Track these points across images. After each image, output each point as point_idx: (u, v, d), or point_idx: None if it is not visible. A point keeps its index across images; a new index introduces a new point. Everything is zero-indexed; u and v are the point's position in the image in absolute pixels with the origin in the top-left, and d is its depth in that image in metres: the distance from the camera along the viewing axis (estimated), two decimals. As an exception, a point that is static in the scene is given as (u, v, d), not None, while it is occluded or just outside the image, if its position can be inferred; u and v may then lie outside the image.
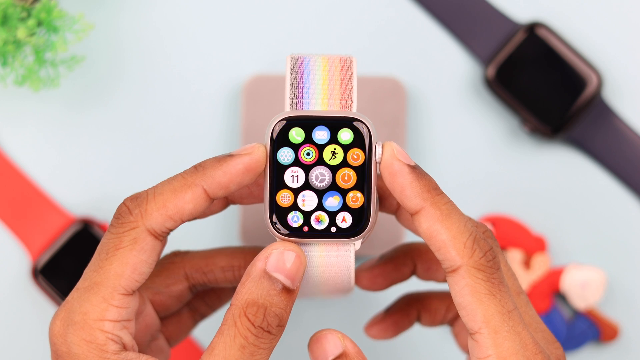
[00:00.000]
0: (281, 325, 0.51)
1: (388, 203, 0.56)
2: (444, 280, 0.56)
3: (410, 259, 0.57)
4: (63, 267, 0.71)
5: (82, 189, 0.73)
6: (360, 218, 0.55)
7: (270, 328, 0.50)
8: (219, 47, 0.74)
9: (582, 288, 0.72)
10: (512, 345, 0.49)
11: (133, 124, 0.73)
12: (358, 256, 0.72)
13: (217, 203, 0.57)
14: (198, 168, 0.53)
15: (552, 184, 0.74)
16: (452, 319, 0.58)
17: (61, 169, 0.73)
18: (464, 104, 0.74)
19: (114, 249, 0.51)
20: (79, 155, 0.74)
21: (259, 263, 0.51)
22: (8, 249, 0.73)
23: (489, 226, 0.72)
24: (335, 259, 0.56)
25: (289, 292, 0.51)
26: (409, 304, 0.58)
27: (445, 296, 0.58)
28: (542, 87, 0.73)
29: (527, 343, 0.50)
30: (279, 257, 0.52)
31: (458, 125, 0.74)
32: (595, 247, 0.74)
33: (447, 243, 0.50)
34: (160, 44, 0.74)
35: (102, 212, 0.73)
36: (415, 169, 0.51)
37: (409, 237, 0.73)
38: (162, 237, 0.52)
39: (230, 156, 0.53)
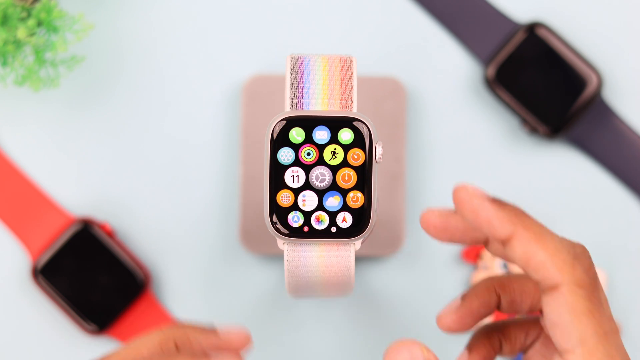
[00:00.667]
0: None
1: (474, 236, 0.53)
2: (528, 312, 0.54)
3: (494, 293, 0.54)
4: (63, 267, 0.71)
5: (82, 189, 0.73)
6: (361, 218, 0.55)
7: None
8: (218, 47, 0.74)
9: (582, 288, 0.72)
10: None
11: (133, 124, 0.73)
12: (358, 256, 0.72)
13: None
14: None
15: (552, 184, 0.74)
16: (529, 345, 0.55)
17: (61, 169, 0.73)
18: (464, 104, 0.74)
19: None
20: (79, 155, 0.73)
21: None
22: (8, 249, 0.73)
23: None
24: (335, 259, 0.56)
25: None
26: (490, 336, 0.55)
27: (523, 323, 0.55)
28: (542, 87, 0.72)
29: None
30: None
31: (458, 125, 0.74)
32: (595, 247, 0.73)
33: (546, 261, 0.47)
34: (160, 44, 0.74)
35: (102, 212, 0.73)
36: (495, 200, 0.48)
37: (409, 237, 0.73)
38: None
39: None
